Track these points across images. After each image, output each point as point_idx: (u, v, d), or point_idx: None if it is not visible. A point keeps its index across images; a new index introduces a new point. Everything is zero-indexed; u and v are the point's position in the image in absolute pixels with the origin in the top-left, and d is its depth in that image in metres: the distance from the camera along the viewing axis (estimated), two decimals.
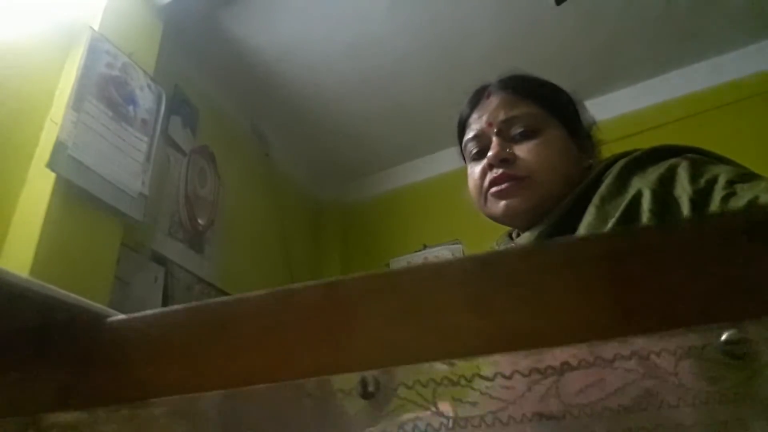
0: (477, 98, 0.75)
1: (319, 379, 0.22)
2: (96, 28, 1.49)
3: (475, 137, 0.72)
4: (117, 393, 0.26)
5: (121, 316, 0.28)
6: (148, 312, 0.27)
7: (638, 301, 0.20)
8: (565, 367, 0.19)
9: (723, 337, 0.18)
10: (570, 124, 0.71)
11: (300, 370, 0.22)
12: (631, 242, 0.21)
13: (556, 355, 0.19)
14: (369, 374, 0.21)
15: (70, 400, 0.26)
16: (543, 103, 0.70)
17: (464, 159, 0.77)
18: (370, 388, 0.21)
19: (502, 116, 0.69)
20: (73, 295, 0.28)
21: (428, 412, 0.20)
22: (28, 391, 0.28)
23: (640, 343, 0.18)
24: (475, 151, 0.72)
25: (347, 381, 0.21)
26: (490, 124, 0.70)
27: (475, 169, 0.71)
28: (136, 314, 0.27)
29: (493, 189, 0.67)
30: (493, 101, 0.71)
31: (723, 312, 0.18)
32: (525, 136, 0.68)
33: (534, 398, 0.19)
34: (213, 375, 0.24)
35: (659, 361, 0.18)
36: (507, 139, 0.69)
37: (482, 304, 0.22)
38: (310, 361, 0.23)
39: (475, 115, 0.73)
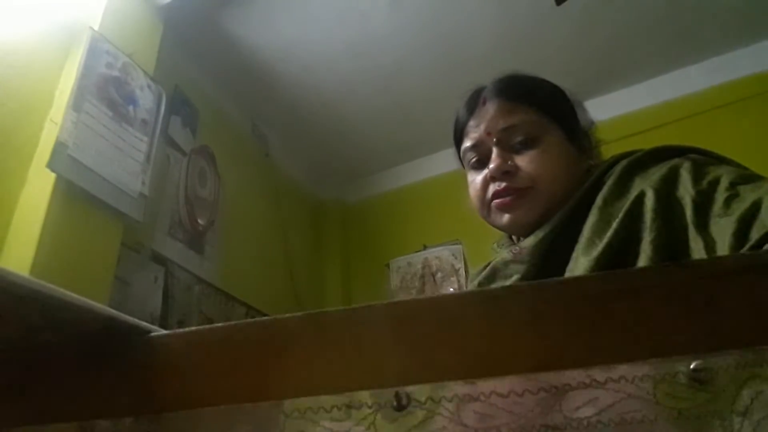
0: (473, 103, 0.73)
1: (357, 393, 0.26)
2: (96, 28, 1.49)
3: (474, 146, 0.71)
4: (158, 406, 0.28)
5: (164, 332, 0.31)
6: (191, 329, 0.30)
7: (624, 334, 0.24)
8: (567, 387, 0.24)
9: (692, 366, 0.23)
10: (568, 127, 0.71)
11: (338, 385, 0.26)
12: (618, 284, 0.26)
13: (558, 378, 0.24)
14: (402, 390, 0.25)
15: (108, 411, 0.28)
16: (540, 107, 0.69)
17: (462, 164, 0.77)
18: (403, 401, 0.25)
19: (500, 125, 0.68)
20: (77, 296, 0.29)
21: (453, 424, 0.24)
22: (79, 398, 0.30)
23: (626, 369, 0.23)
24: (474, 159, 0.71)
25: (383, 395, 0.25)
26: (488, 134, 0.69)
27: (476, 179, 0.70)
28: (178, 330, 0.30)
29: (497, 201, 0.67)
30: (490, 109, 0.70)
31: (692, 345, 0.23)
32: (525, 146, 0.67)
33: (541, 412, 0.23)
34: (259, 389, 0.27)
35: (641, 384, 0.23)
36: (507, 149, 0.68)
37: (497, 332, 0.26)
38: (350, 376, 0.26)
39: (472, 123, 0.72)
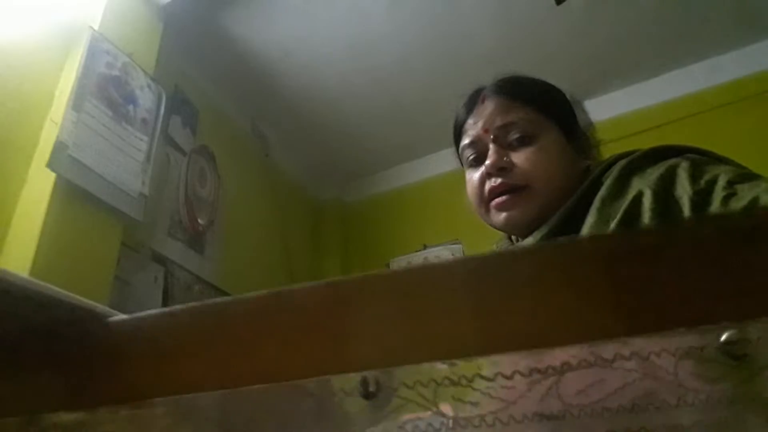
0: (472, 102, 0.74)
1: (319, 379, 0.22)
2: (96, 28, 1.49)
3: (472, 143, 0.72)
4: (118, 393, 0.26)
5: (122, 316, 0.28)
6: (149, 312, 0.27)
7: (638, 301, 0.20)
8: (565, 367, 0.19)
9: (723, 338, 0.18)
10: (566, 126, 0.71)
11: (300, 370, 0.23)
12: (630, 243, 0.21)
13: (556, 355, 0.19)
14: (370, 374, 0.21)
15: (71, 399, 0.26)
16: (539, 106, 0.70)
17: (461, 163, 0.77)
18: (371, 388, 0.21)
19: (498, 122, 0.69)
20: (73, 295, 0.28)
21: (429, 412, 0.20)
22: (28, 391, 0.28)
23: (639, 343, 0.19)
24: (472, 157, 0.72)
25: (348, 381, 0.21)
26: (486, 131, 0.70)
27: (474, 176, 0.71)
28: (137, 314, 0.27)
29: (494, 201, 0.67)
30: (489, 106, 0.71)
31: (723, 312, 0.18)
32: (522, 143, 0.67)
33: (534, 398, 0.19)
34: (213, 375, 0.25)
35: (659, 362, 0.18)
36: (504, 145, 0.68)
37: (483, 304, 0.22)
38: (310, 361, 0.23)
39: (470, 121, 0.73)
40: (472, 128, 0.72)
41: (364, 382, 0.21)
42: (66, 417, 0.25)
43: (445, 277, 0.23)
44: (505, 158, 0.67)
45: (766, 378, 0.17)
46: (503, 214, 0.67)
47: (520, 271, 0.22)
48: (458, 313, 0.22)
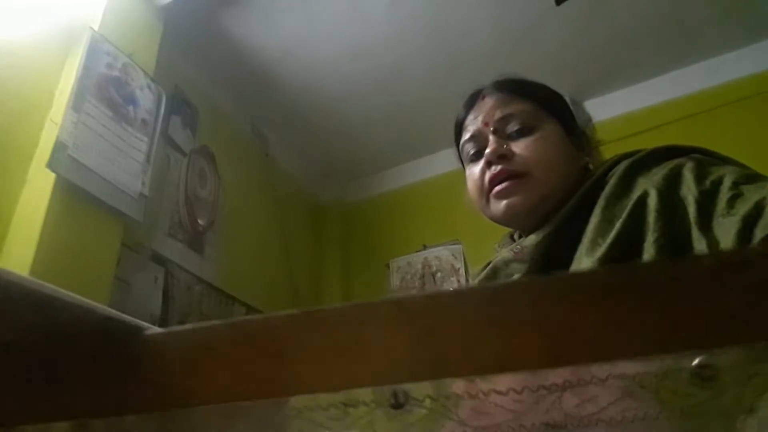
0: (472, 101, 0.75)
1: (353, 391, 0.25)
2: (96, 28, 1.49)
3: (472, 137, 0.72)
4: (151, 405, 0.28)
5: (158, 330, 0.30)
6: (185, 327, 0.30)
7: (626, 330, 0.24)
8: (567, 384, 0.23)
9: (695, 362, 0.22)
10: (565, 122, 0.72)
11: (332, 384, 0.26)
12: (621, 278, 0.25)
13: (558, 374, 0.23)
14: (399, 388, 0.24)
15: (102, 410, 0.28)
16: (538, 100, 0.71)
17: (462, 162, 0.77)
18: (400, 399, 0.24)
19: (497, 115, 0.70)
20: (75, 295, 0.29)
21: (452, 422, 0.23)
22: (75, 397, 0.29)
23: (627, 365, 0.23)
24: (473, 151, 0.72)
25: (381, 393, 0.25)
26: (486, 124, 0.70)
27: (474, 170, 0.71)
28: (173, 328, 0.30)
29: (495, 189, 0.68)
30: (488, 102, 0.72)
31: (696, 340, 0.23)
32: (521, 133, 0.68)
33: (541, 410, 0.23)
34: (243, 388, 0.27)
35: (643, 381, 0.22)
36: (503, 137, 0.69)
37: (496, 329, 0.26)
38: (340, 376, 0.26)
39: (470, 117, 0.74)
40: (472, 123, 0.73)
41: (395, 394, 0.24)
42: (97, 424, 0.28)
43: (460, 305, 0.27)
44: (504, 146, 0.68)
45: (730, 395, 0.21)
46: (503, 202, 0.67)
47: (527, 301, 0.26)
48: (473, 337, 0.26)
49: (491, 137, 0.69)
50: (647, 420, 0.22)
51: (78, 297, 0.28)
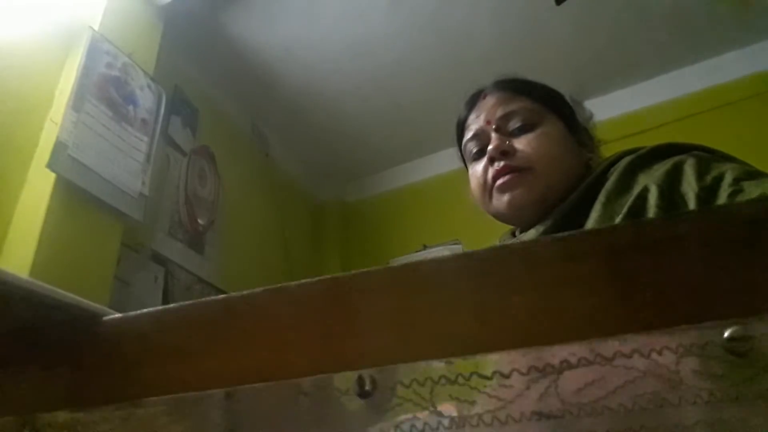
0: (473, 100, 0.76)
1: (316, 378, 0.21)
2: (96, 28, 1.49)
3: (475, 136, 0.73)
4: (114, 392, 0.26)
5: (117, 315, 0.28)
6: (144, 311, 0.27)
7: (639, 297, 0.19)
8: (565, 365, 0.19)
9: (726, 334, 0.17)
10: (566, 118, 0.72)
11: (297, 369, 0.22)
12: (632, 237, 0.21)
13: (555, 353, 0.19)
14: (366, 373, 0.21)
15: (67, 399, 0.26)
16: (539, 98, 0.71)
17: (464, 162, 0.78)
18: (368, 387, 0.21)
19: (499, 113, 0.70)
20: (70, 294, 0.28)
21: (426, 412, 0.20)
22: (24, 391, 0.28)
23: (640, 340, 0.18)
24: (475, 150, 0.73)
25: (344, 380, 0.21)
26: (488, 122, 0.71)
27: (477, 168, 0.71)
28: (132, 313, 0.27)
29: (497, 183, 0.68)
30: (490, 101, 0.73)
31: (726, 308, 0.18)
32: (523, 130, 0.69)
33: (533, 397, 0.19)
34: (210, 374, 0.24)
35: (660, 359, 0.18)
36: (506, 134, 0.70)
37: (480, 301, 0.21)
38: (307, 360, 0.23)
39: (472, 116, 0.74)
40: (474, 122, 0.73)
41: (360, 381, 0.21)
42: (61, 417, 0.25)
43: (441, 274, 0.23)
44: (507, 143, 0.68)
45: None
46: (506, 195, 0.67)
47: (518, 267, 0.21)
48: (455, 310, 0.21)
49: (493, 135, 0.69)
50: (666, 407, 0.17)
51: (43, 285, 0.27)
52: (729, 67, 2.13)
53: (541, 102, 0.71)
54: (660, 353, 0.18)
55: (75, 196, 1.32)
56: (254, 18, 1.95)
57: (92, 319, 0.27)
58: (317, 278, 0.24)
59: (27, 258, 1.19)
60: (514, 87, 0.73)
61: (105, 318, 0.27)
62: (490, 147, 0.68)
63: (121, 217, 1.43)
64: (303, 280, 0.24)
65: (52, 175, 1.28)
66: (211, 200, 1.99)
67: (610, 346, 0.18)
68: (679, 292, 0.19)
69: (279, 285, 0.24)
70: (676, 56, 2.18)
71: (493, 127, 0.70)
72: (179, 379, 0.25)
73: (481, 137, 0.72)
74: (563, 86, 0.77)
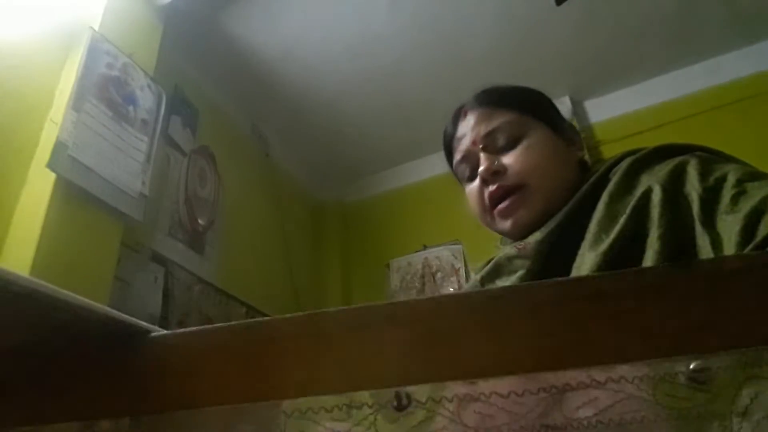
0: (456, 120, 0.76)
1: (358, 393, 0.25)
2: (96, 28, 1.49)
3: (464, 158, 0.73)
4: (159, 405, 0.28)
5: (164, 332, 0.30)
6: (192, 329, 0.30)
7: (624, 334, 0.24)
8: (566, 388, 0.24)
9: (691, 366, 0.23)
10: (550, 121, 0.72)
11: (339, 386, 0.26)
12: (618, 284, 0.26)
13: (559, 378, 0.24)
14: (402, 390, 0.25)
15: (111, 411, 0.28)
16: (519, 107, 0.71)
17: (459, 181, 0.78)
18: (404, 401, 0.25)
19: (483, 131, 0.70)
20: (75, 295, 0.29)
21: (454, 424, 0.24)
22: (71, 400, 0.30)
23: (626, 369, 0.23)
24: (467, 173, 0.73)
25: (383, 395, 0.25)
26: (474, 143, 0.71)
27: (472, 189, 0.72)
28: (178, 330, 0.30)
29: (497, 209, 0.68)
30: (471, 119, 0.72)
31: (692, 346, 0.23)
32: (510, 146, 0.68)
33: (541, 412, 0.23)
34: (248, 390, 0.27)
35: (641, 385, 0.23)
36: (493, 152, 0.69)
37: (497, 333, 0.26)
38: (350, 377, 0.26)
39: (457, 137, 0.74)
40: (461, 144, 0.73)
41: (398, 396, 0.25)
42: (105, 425, 0.28)
43: (463, 306, 0.27)
44: (496, 162, 0.68)
45: (725, 399, 0.22)
46: (509, 221, 0.68)
47: (526, 306, 0.26)
48: (477, 340, 0.26)
49: (482, 155, 0.69)
50: (645, 422, 0.22)
51: (80, 297, 0.28)
52: (729, 67, 2.14)
53: (522, 111, 0.70)
54: (641, 380, 0.23)
55: (75, 196, 1.32)
56: (254, 18, 1.95)
57: (140, 334, 0.30)
58: (351, 307, 0.28)
59: (27, 258, 1.19)
60: (492, 101, 0.72)
61: (153, 334, 0.30)
62: (480, 169, 0.68)
63: (121, 217, 1.43)
64: (338, 308, 0.28)
65: (52, 175, 1.28)
66: (211, 200, 2.00)
67: (602, 373, 0.23)
68: (656, 331, 0.24)
69: (314, 311, 0.28)
70: (676, 56, 2.18)
71: (480, 146, 0.70)
72: (222, 395, 0.27)
73: (470, 158, 0.72)
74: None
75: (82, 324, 0.29)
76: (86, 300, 0.29)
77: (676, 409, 0.22)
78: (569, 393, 0.23)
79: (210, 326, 0.29)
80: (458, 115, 0.75)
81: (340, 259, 2.69)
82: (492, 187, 0.67)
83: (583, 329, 0.25)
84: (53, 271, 1.20)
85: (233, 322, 0.29)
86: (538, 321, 0.26)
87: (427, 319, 0.27)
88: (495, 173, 0.67)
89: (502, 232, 0.71)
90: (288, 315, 0.29)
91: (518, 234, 0.70)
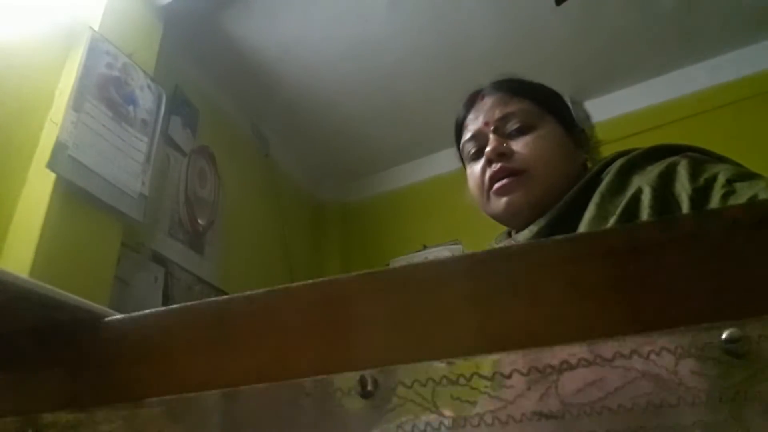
0: (472, 101, 0.76)
1: (317, 379, 0.22)
2: (96, 28, 1.49)
3: (473, 137, 0.73)
4: (115, 393, 0.26)
5: (119, 316, 0.28)
6: (146, 312, 0.27)
7: (638, 299, 0.20)
8: (564, 366, 0.19)
9: (724, 336, 0.18)
10: (564, 120, 0.73)
11: (298, 370, 0.22)
12: (631, 239, 0.21)
13: (555, 354, 0.19)
14: (368, 373, 0.21)
15: (69, 399, 0.27)
16: (537, 99, 0.72)
17: (462, 162, 0.78)
18: (369, 388, 0.21)
19: (497, 114, 0.71)
20: (72, 295, 0.28)
21: (428, 412, 0.20)
22: (26, 391, 0.28)
23: (639, 341, 0.18)
24: (473, 151, 0.73)
25: (346, 380, 0.21)
26: (486, 123, 0.71)
27: (475, 168, 0.72)
28: (134, 314, 0.27)
29: (495, 187, 0.68)
30: (488, 102, 0.73)
31: (724, 310, 0.18)
32: (521, 132, 0.69)
33: (533, 397, 0.19)
34: (211, 374, 0.24)
35: (659, 360, 0.18)
36: (503, 135, 0.70)
37: (481, 302, 0.22)
38: (308, 361, 0.23)
39: (471, 117, 0.75)
40: (473, 123, 0.74)
41: (363, 381, 0.21)
42: (64, 417, 0.25)
43: (441, 275, 0.23)
44: (504, 144, 0.68)
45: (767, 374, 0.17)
46: (504, 199, 0.68)
47: (518, 269, 0.22)
48: (455, 312, 0.22)
49: (491, 136, 0.70)
50: (665, 407, 0.17)
51: (42, 284, 0.27)
52: (729, 67, 2.13)
53: (539, 104, 0.71)
54: (658, 354, 0.18)
55: (75, 196, 1.32)
56: (254, 18, 1.95)
57: (94, 320, 0.27)
58: (318, 280, 0.24)
59: (27, 258, 1.19)
60: (512, 88, 0.73)
61: (107, 319, 0.27)
62: (487, 149, 0.69)
63: (121, 217, 1.43)
64: (304, 282, 0.24)
65: (52, 175, 1.28)
66: (211, 200, 1.99)
67: (609, 347, 0.18)
68: (677, 293, 0.19)
69: (280, 287, 0.24)
70: (676, 56, 2.18)
71: (491, 128, 0.70)
72: (179, 380, 0.25)
73: (479, 138, 0.72)
74: (563, 86, 0.78)
75: (27, 308, 0.27)
76: (31, 280, 0.27)
77: (705, 391, 0.17)
78: (567, 373, 0.19)
79: (164, 308, 0.27)
80: (475, 97, 0.76)
81: (340, 259, 2.69)
82: (495, 167, 0.68)
83: (585, 295, 0.20)
84: (53, 272, 1.20)
85: (189, 303, 0.26)
86: (529, 286, 0.21)
87: (399, 290, 0.23)
88: (501, 154, 0.68)
89: (493, 214, 0.71)
90: (246, 293, 0.25)
91: (508, 218, 0.70)
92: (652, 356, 0.18)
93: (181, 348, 0.26)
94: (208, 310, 0.26)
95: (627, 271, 0.20)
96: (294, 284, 0.24)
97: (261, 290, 0.25)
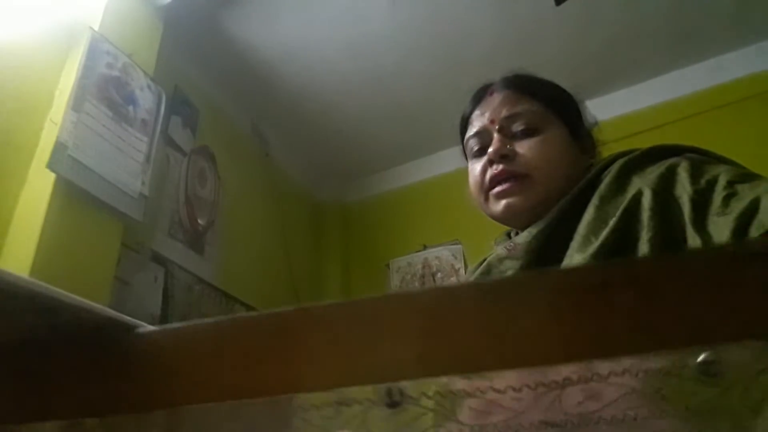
0: (480, 96, 0.75)
1: (348, 389, 0.25)
2: (96, 28, 1.49)
3: (477, 134, 0.72)
4: (145, 403, 0.27)
5: (151, 328, 0.30)
6: (178, 324, 0.29)
7: (628, 325, 0.23)
8: (567, 382, 0.22)
9: (699, 358, 0.21)
10: (572, 124, 0.71)
11: (331, 380, 0.25)
12: (621, 273, 0.25)
13: (559, 372, 0.23)
14: (395, 385, 0.24)
15: (97, 409, 0.28)
16: (545, 101, 0.70)
17: (466, 157, 0.77)
18: (396, 398, 0.24)
19: (504, 113, 0.69)
20: (98, 305, 0.29)
21: (448, 421, 0.23)
22: (56, 398, 0.29)
23: (630, 362, 0.22)
24: (476, 148, 0.72)
25: (375, 391, 0.24)
26: (492, 121, 0.70)
27: (476, 167, 0.71)
28: (165, 326, 0.29)
29: (494, 190, 0.68)
30: (496, 98, 0.72)
31: (700, 336, 0.22)
32: (526, 134, 0.68)
33: (540, 408, 0.22)
34: (238, 386, 0.27)
35: (646, 378, 0.22)
36: (508, 135, 0.69)
37: (493, 325, 0.25)
38: (339, 372, 0.25)
39: (477, 112, 0.73)
40: (479, 119, 0.72)
41: (390, 392, 0.24)
42: (90, 423, 0.27)
43: (458, 299, 0.26)
44: (508, 146, 0.68)
45: (737, 393, 0.21)
46: (503, 202, 0.67)
47: (525, 297, 0.25)
48: (472, 333, 0.25)
49: (496, 135, 0.69)
50: (651, 419, 0.21)
51: (76, 297, 0.28)
52: (729, 67, 2.14)
53: (548, 105, 0.70)
54: (646, 373, 0.22)
55: (75, 196, 1.32)
56: (254, 18, 1.95)
57: (126, 330, 0.29)
58: (344, 301, 0.27)
59: (27, 258, 1.19)
60: (522, 86, 0.72)
61: (139, 330, 0.29)
62: (490, 149, 0.68)
63: (121, 217, 1.42)
64: (331, 301, 0.27)
65: (52, 175, 1.28)
66: (211, 200, 1.99)
67: (605, 366, 0.22)
68: (661, 321, 0.23)
69: (308, 305, 0.28)
70: (676, 56, 2.18)
71: (496, 127, 0.69)
72: (214, 390, 0.27)
73: (484, 136, 0.71)
74: (563, 86, 0.77)
75: (77, 322, 0.29)
76: (80, 298, 0.28)
77: (685, 405, 0.21)
78: (569, 388, 0.22)
79: (198, 321, 0.29)
80: (483, 92, 0.75)
81: (340, 259, 2.69)
82: (496, 168, 0.67)
83: (585, 320, 0.24)
84: (53, 272, 1.20)
85: (221, 316, 0.29)
86: (536, 312, 0.25)
87: (421, 311, 0.26)
88: (504, 156, 0.67)
89: (492, 215, 0.71)
90: (279, 308, 0.28)
91: (507, 220, 0.70)
92: (641, 375, 0.22)
93: (212, 360, 0.28)
94: (237, 325, 0.29)
95: (619, 301, 0.24)
96: (322, 303, 0.27)
97: (292, 307, 0.28)
